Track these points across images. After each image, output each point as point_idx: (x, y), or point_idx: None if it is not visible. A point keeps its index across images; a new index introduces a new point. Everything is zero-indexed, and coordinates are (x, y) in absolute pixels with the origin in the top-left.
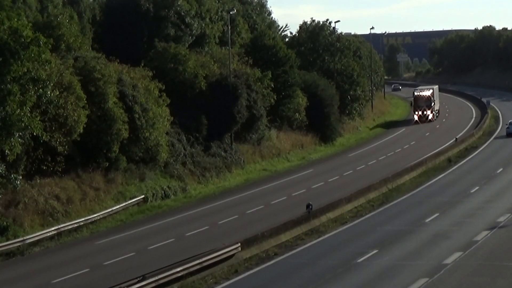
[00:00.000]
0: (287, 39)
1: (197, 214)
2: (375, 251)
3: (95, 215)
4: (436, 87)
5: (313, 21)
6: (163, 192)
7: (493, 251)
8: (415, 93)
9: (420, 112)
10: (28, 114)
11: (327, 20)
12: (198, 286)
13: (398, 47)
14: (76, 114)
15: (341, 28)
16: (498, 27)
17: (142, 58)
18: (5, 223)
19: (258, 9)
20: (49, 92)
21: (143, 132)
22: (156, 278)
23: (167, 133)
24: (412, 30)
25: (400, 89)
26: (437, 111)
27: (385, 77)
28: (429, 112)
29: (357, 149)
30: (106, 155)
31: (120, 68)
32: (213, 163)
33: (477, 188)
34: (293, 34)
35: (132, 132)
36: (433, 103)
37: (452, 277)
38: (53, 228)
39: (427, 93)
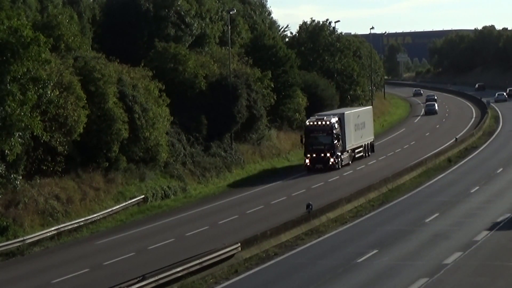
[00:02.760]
0: (287, 39)
1: (197, 214)
2: (375, 251)
3: (95, 215)
4: (360, 110)
5: (313, 21)
6: (163, 192)
7: (493, 251)
8: (307, 122)
9: (314, 154)
10: (28, 114)
11: (327, 20)
12: (198, 286)
13: (398, 47)
14: (76, 114)
15: (341, 28)
16: (498, 27)
17: (142, 58)
18: (5, 223)
19: (259, 10)
20: (49, 92)
21: (143, 132)
22: (156, 278)
23: (167, 133)
24: (412, 30)
25: (421, 93)
26: (362, 149)
27: (385, 77)
28: (329, 154)
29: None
30: (106, 155)
31: (120, 68)
32: (213, 163)
33: (477, 188)
34: (293, 34)
35: (132, 132)
36: (336, 141)
37: (452, 277)
38: (53, 228)
39: (329, 122)
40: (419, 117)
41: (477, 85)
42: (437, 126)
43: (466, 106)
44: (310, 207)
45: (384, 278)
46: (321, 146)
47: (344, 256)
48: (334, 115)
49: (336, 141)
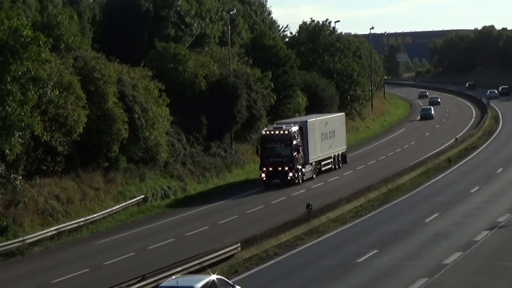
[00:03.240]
0: (287, 39)
1: (197, 214)
2: (375, 251)
3: (95, 215)
4: (328, 117)
5: (313, 21)
6: (163, 192)
7: (493, 251)
8: (263, 132)
9: (271, 168)
10: (29, 114)
11: (327, 20)
12: None
13: (398, 47)
14: (76, 114)
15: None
16: (498, 27)
17: (142, 58)
18: (5, 223)
19: (259, 10)
20: (49, 92)
21: (143, 132)
22: (156, 278)
23: (167, 133)
24: (412, 30)
25: (428, 95)
26: (330, 161)
27: (385, 77)
28: (287, 168)
29: (357, 149)
30: (106, 155)
31: (120, 68)
32: (213, 163)
33: (477, 188)
34: (293, 34)
35: (132, 132)
36: (296, 153)
37: (452, 277)
38: (53, 228)
39: (288, 131)
40: (419, 117)
41: (467, 84)
42: (437, 126)
43: (466, 106)
44: (310, 207)
45: (384, 278)
46: (279, 158)
47: (344, 256)
48: (295, 123)
49: (296, 153)
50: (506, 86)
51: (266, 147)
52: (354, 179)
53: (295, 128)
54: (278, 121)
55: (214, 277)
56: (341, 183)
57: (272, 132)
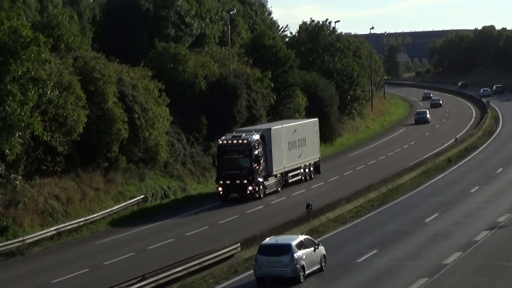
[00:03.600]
0: (287, 39)
1: (197, 214)
2: (375, 251)
3: (95, 215)
4: (298, 123)
5: (313, 21)
6: (163, 192)
7: (493, 251)
8: (220, 141)
9: (228, 181)
10: (29, 114)
11: (327, 20)
12: (198, 286)
13: (398, 47)
14: (76, 114)
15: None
16: (498, 27)
17: (142, 58)
18: (5, 223)
19: (260, 10)
20: (49, 92)
21: (143, 132)
22: (156, 278)
23: (167, 133)
24: (412, 30)
25: (431, 96)
26: (300, 171)
27: (385, 77)
28: (246, 181)
29: (357, 149)
30: (106, 155)
31: (120, 68)
32: (213, 163)
33: (477, 188)
34: (293, 34)
35: (132, 132)
36: (256, 164)
37: (452, 277)
38: (53, 228)
39: (247, 140)
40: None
41: (460, 83)
42: (437, 126)
43: (466, 106)
44: (310, 207)
45: (384, 278)
46: (237, 170)
47: (344, 256)
48: (256, 131)
49: (256, 165)
50: (500, 85)
51: (223, 158)
52: (354, 179)
53: (255, 137)
54: (238, 129)
55: (303, 237)
56: (341, 183)
57: (230, 142)
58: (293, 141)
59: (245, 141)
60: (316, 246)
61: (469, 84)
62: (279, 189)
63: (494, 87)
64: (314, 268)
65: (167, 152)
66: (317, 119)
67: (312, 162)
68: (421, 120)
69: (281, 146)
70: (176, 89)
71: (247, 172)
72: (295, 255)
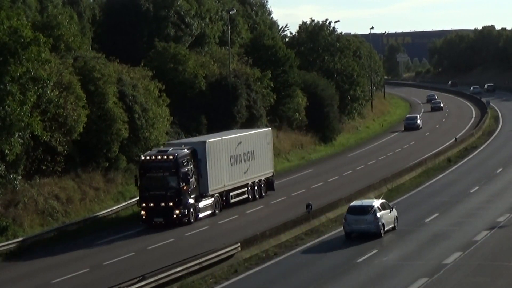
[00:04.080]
0: (287, 39)
1: None
2: (375, 251)
3: (95, 215)
4: (245, 134)
5: (313, 21)
6: None
7: (493, 251)
8: (143, 157)
9: (151, 203)
10: (28, 114)
11: (327, 20)
12: (198, 286)
13: (398, 47)
14: (76, 114)
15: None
16: (498, 27)
17: (142, 58)
18: (5, 223)
19: (260, 10)
20: (49, 92)
21: (143, 132)
22: (156, 278)
23: (167, 133)
24: (412, 30)
25: (435, 97)
26: (247, 189)
27: (385, 77)
28: (172, 203)
29: (357, 149)
30: (106, 155)
31: (120, 68)
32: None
33: (477, 188)
34: (293, 34)
35: (132, 132)
36: (184, 183)
37: (452, 277)
38: (53, 228)
39: (173, 156)
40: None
41: (450, 82)
42: (437, 126)
43: (466, 106)
44: (310, 207)
45: (384, 278)
46: (162, 191)
47: (344, 256)
48: (187, 144)
49: (184, 184)
50: (492, 84)
51: (146, 176)
52: (354, 179)
53: (184, 152)
54: (169, 141)
55: (382, 200)
56: (341, 183)
57: (154, 158)
58: (237, 155)
59: (171, 157)
60: (391, 209)
61: (459, 83)
62: (216, 211)
63: (486, 85)
64: (390, 226)
65: None
66: (269, 129)
67: (263, 179)
68: (410, 126)
69: (221, 161)
70: (176, 89)
71: (173, 192)
72: (377, 214)
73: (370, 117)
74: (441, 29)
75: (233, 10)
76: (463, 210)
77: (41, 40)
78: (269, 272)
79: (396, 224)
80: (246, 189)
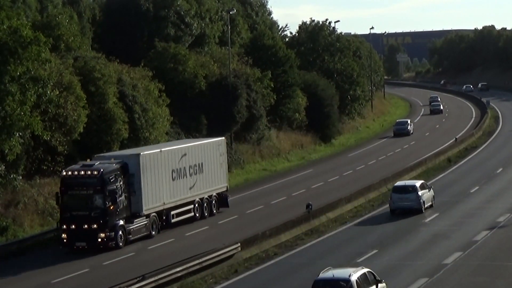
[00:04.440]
0: (287, 39)
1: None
2: (375, 251)
3: None
4: (193, 144)
5: (313, 21)
6: None
7: (493, 251)
8: (64, 172)
9: (73, 225)
10: (28, 114)
11: (327, 20)
12: (198, 286)
13: (398, 47)
14: (76, 114)
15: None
16: (498, 27)
17: (142, 58)
18: (5, 223)
19: (260, 10)
20: (49, 92)
21: (143, 132)
22: (156, 278)
23: (167, 133)
24: (412, 30)
25: (438, 101)
26: (193, 207)
27: (385, 77)
28: (97, 225)
29: (357, 149)
30: None
31: (120, 68)
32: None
33: (477, 188)
34: (293, 34)
35: (132, 132)
36: (111, 203)
37: (452, 277)
38: (53, 228)
39: (98, 171)
40: (418, 117)
41: (442, 81)
42: (437, 126)
43: (466, 106)
44: (310, 207)
45: (384, 278)
46: (85, 211)
47: (344, 256)
48: (117, 158)
49: (111, 204)
50: (485, 83)
51: (68, 194)
52: (354, 179)
53: (112, 167)
54: (97, 155)
55: (422, 181)
56: (341, 183)
57: (77, 173)
58: (181, 169)
59: (96, 173)
60: (430, 188)
61: (451, 82)
62: (153, 233)
63: (479, 84)
64: (428, 204)
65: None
66: (223, 138)
67: (214, 194)
68: (400, 131)
69: (159, 176)
70: (176, 89)
71: (98, 213)
72: (419, 193)
73: (370, 117)
74: (441, 29)
75: (233, 10)
76: (463, 210)
77: (41, 40)
78: (269, 272)
79: (433, 202)
80: (192, 206)
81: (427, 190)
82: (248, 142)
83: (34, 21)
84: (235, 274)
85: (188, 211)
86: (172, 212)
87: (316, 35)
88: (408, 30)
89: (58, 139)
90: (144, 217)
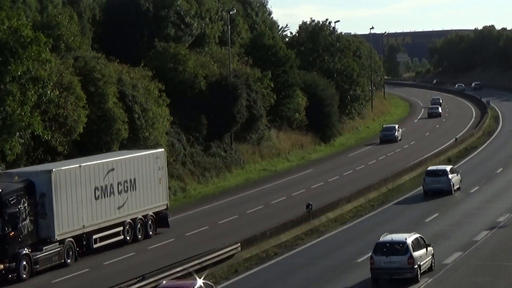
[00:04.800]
0: (287, 39)
1: (197, 214)
2: None
3: None
4: (123, 158)
5: (313, 21)
6: None
7: (493, 251)
8: None
9: None
10: (28, 114)
11: (327, 20)
12: None
13: (398, 47)
14: (76, 114)
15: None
16: (498, 27)
17: (142, 58)
18: None
19: (260, 10)
20: (49, 92)
21: (143, 132)
22: (156, 278)
23: (167, 133)
24: (412, 30)
25: (440, 102)
26: (123, 229)
27: (385, 77)
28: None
29: (357, 149)
30: None
31: (120, 68)
32: (213, 163)
33: (477, 188)
34: (293, 34)
35: (132, 132)
36: (11, 229)
37: (452, 277)
38: None
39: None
40: (418, 117)
41: (435, 81)
42: (437, 126)
43: (466, 106)
44: (310, 207)
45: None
46: None
47: (344, 256)
48: (23, 175)
49: (10, 229)
50: (479, 82)
51: None
52: (354, 179)
53: (12, 187)
54: (6, 171)
55: (450, 166)
56: (341, 183)
57: None
58: (107, 186)
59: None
60: (458, 173)
61: (443, 82)
62: (68, 261)
63: (473, 84)
64: (456, 187)
65: (167, 152)
66: (162, 150)
67: (151, 213)
68: (387, 138)
69: (78, 195)
70: (176, 89)
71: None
72: (449, 176)
73: (370, 117)
74: (441, 29)
75: (233, 10)
76: (463, 210)
77: (41, 40)
78: (269, 272)
79: (460, 185)
80: (121, 228)
81: (456, 174)
82: (248, 142)
83: (34, 21)
84: (235, 274)
85: (116, 234)
86: (95, 236)
87: (316, 35)
88: (408, 30)
89: (58, 139)
90: (57, 243)
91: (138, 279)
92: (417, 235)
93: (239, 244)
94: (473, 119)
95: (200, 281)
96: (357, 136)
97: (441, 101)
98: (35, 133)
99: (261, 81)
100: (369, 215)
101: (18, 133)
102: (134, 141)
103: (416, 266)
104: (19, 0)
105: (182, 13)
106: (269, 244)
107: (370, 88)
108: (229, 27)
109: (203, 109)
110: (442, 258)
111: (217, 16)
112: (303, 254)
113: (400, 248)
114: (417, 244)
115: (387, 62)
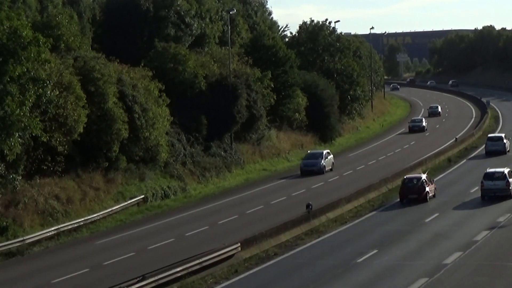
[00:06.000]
0: (287, 39)
1: (197, 214)
2: (375, 251)
3: (95, 215)
4: None
5: (313, 21)
6: (163, 192)
7: (493, 251)
8: None
9: None
10: (28, 114)
11: (327, 20)
12: (198, 286)
13: (398, 47)
14: (76, 114)
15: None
16: (498, 27)
17: (142, 58)
18: (5, 223)
19: (260, 10)
20: (48, 92)
21: (143, 132)
22: (156, 278)
23: (167, 133)
24: (412, 30)
25: (439, 112)
26: None
27: (385, 77)
28: None
29: (357, 149)
30: (106, 155)
31: (120, 68)
32: (213, 163)
33: (477, 188)
34: (293, 34)
35: (132, 132)
36: None
37: (452, 277)
38: (53, 228)
39: None
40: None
41: (428, 82)
42: (437, 126)
43: (466, 106)
44: (310, 207)
45: (384, 278)
46: None
47: (344, 256)
48: None
49: None
50: (455, 80)
51: None
52: (354, 179)
53: None
54: None
55: (508, 169)
56: (341, 183)
57: None
58: None
59: None
60: (509, 139)
61: (417, 80)
62: None
63: (450, 82)
64: (508, 149)
65: (167, 152)
66: None
67: None
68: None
69: None
70: (176, 89)
71: None
72: (504, 140)
73: (370, 117)
74: (441, 29)
75: (233, 10)
76: (463, 210)
77: (41, 40)
78: (269, 272)
79: (510, 149)
80: None
81: (508, 140)
82: (248, 142)
83: (34, 21)
84: (235, 274)
85: None
86: None
87: (316, 35)
88: (408, 30)
89: (58, 139)
90: None
91: (138, 279)
92: (509, 169)
93: (239, 244)
94: (473, 119)
95: None
96: (357, 136)
97: (439, 110)
98: (33, 134)
99: (261, 81)
100: (369, 215)
101: (17, 133)
102: (134, 141)
103: (511, 187)
104: (19, 0)
105: (182, 13)
106: (269, 244)
107: (370, 88)
108: (229, 27)
109: (203, 109)
110: (442, 258)
111: (217, 16)
112: (303, 254)
113: (501, 176)
114: (511, 174)
115: (387, 62)
